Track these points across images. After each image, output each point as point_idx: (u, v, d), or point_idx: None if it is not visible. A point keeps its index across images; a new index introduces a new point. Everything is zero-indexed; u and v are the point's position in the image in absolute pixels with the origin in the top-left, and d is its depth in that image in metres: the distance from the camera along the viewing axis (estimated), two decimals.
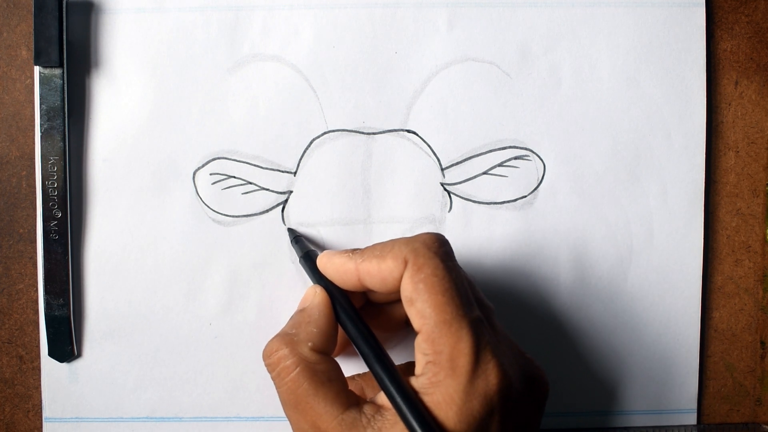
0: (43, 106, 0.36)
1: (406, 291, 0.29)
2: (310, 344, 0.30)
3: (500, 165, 0.38)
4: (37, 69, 0.36)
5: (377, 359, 0.29)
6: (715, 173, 0.39)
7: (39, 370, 0.38)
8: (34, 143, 0.38)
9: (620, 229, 0.39)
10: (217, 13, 0.37)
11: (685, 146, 0.39)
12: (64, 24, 0.36)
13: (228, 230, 0.38)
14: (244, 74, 0.38)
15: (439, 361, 0.27)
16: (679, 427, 0.39)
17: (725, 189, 0.40)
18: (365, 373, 0.35)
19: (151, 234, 0.38)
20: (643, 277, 0.39)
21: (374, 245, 0.31)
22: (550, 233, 0.38)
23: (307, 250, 0.35)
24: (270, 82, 0.38)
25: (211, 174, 0.38)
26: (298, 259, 0.37)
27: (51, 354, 0.37)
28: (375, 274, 0.30)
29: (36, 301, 0.38)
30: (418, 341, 0.28)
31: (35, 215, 0.38)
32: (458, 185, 0.38)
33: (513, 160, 0.38)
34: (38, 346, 0.38)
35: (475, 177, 0.38)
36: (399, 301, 0.34)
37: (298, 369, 0.29)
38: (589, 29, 0.38)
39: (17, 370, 0.39)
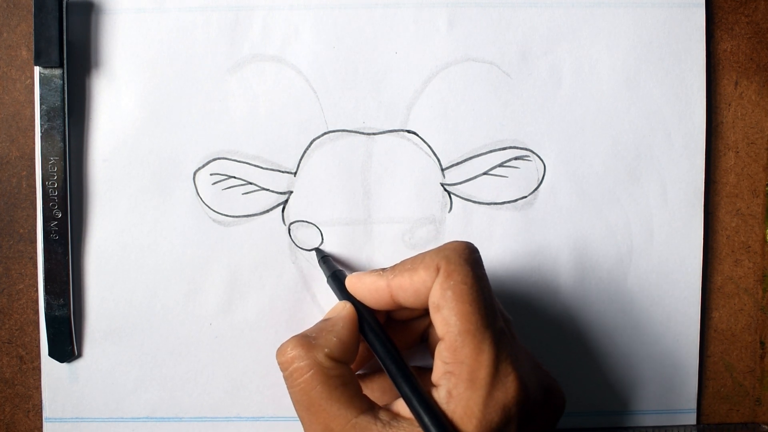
0: (43, 106, 0.36)
1: (434, 297, 0.29)
2: (326, 350, 0.30)
3: (500, 165, 0.38)
4: (37, 69, 0.36)
5: (405, 379, 0.29)
6: (715, 173, 0.39)
7: (39, 370, 0.38)
8: (34, 143, 0.38)
9: (620, 229, 0.39)
10: (217, 13, 0.37)
11: (685, 146, 0.39)
12: (64, 24, 0.36)
13: (228, 230, 0.38)
14: (244, 74, 0.38)
15: (459, 372, 0.28)
16: (678, 427, 0.39)
17: (725, 189, 0.40)
18: (374, 376, 0.35)
19: (151, 234, 0.38)
20: (643, 277, 0.39)
21: (404, 260, 0.31)
22: (551, 233, 0.38)
23: (334, 270, 0.35)
24: (270, 82, 0.38)
25: (211, 174, 0.38)
26: (298, 259, 0.37)
27: (51, 354, 0.37)
28: (408, 288, 0.30)
29: (36, 301, 0.38)
30: (440, 348, 0.28)
31: (35, 215, 0.38)
32: (458, 185, 0.38)
33: (513, 161, 0.38)
34: (38, 346, 0.38)
35: (475, 177, 0.38)
36: (420, 316, 0.34)
37: (311, 372, 0.29)
38: (589, 29, 0.38)
39: (17, 370, 0.39)
